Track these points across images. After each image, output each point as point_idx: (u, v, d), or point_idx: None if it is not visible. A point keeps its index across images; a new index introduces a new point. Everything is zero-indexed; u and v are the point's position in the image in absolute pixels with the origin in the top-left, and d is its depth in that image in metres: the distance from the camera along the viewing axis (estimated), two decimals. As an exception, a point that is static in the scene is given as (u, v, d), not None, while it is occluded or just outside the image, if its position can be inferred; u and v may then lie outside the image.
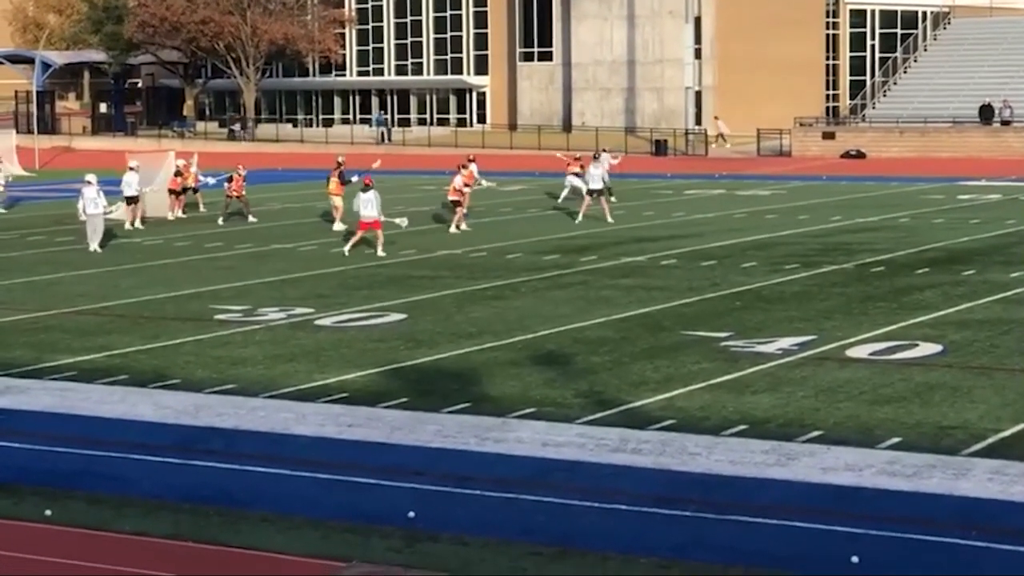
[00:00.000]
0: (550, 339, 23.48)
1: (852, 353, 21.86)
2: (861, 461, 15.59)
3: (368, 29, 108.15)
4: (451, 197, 41.94)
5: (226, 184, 46.09)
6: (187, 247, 38.54)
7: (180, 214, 46.84)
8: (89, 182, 38.61)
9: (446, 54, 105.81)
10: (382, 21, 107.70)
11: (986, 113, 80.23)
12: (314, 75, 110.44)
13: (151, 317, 26.56)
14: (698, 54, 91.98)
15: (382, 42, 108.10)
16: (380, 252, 35.31)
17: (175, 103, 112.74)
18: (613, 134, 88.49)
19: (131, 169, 43.76)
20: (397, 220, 36.60)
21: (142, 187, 44.21)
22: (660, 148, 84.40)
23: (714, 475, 15.24)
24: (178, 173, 47.14)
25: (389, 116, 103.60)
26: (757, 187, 58.54)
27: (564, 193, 51.12)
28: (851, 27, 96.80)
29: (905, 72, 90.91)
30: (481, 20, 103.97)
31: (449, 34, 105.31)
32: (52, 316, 26.85)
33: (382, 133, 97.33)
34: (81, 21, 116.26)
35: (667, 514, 13.98)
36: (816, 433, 16.91)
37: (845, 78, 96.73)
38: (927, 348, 22.13)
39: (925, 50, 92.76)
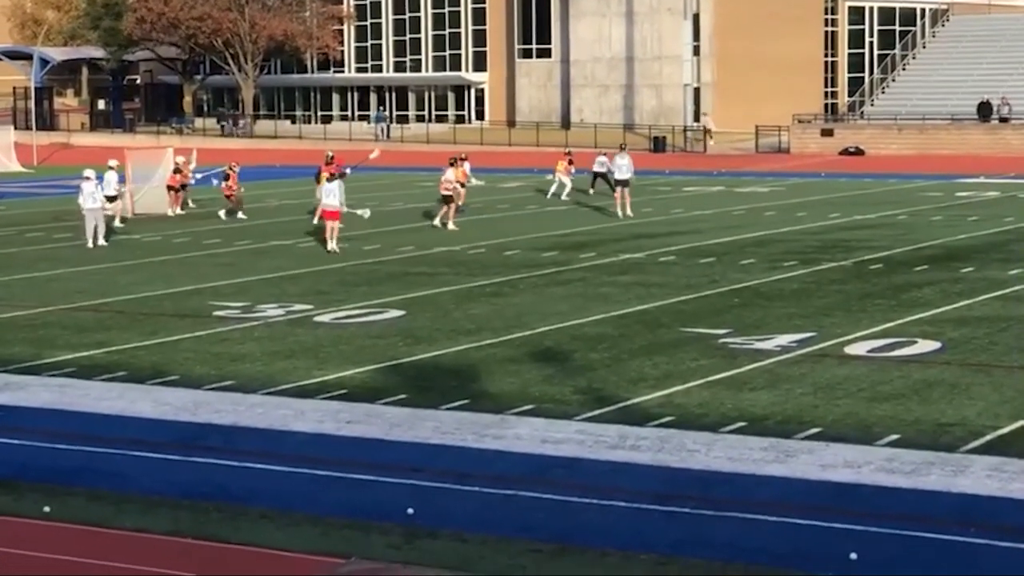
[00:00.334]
0: (549, 336, 23.49)
1: (851, 350, 21.87)
2: (860, 458, 15.60)
3: (366, 26, 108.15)
4: (443, 191, 41.84)
5: (223, 183, 46.10)
6: (186, 243, 38.54)
7: (179, 211, 46.84)
8: (88, 177, 38.65)
9: (445, 51, 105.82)
10: (380, 18, 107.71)
11: (984, 110, 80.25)
12: (312, 72, 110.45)
13: (150, 313, 26.56)
14: (696, 51, 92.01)
15: (380, 39, 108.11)
16: (331, 245, 35.31)
17: (173, 99, 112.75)
18: (612, 131, 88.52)
19: (110, 168, 43.61)
20: (359, 211, 36.60)
21: (137, 183, 44.17)
22: (659, 145, 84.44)
23: (713, 472, 15.25)
24: (177, 170, 47.14)
25: (388, 113, 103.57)
26: (756, 184, 58.56)
27: (553, 188, 52.30)
28: (850, 24, 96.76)
29: (904, 69, 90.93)
30: (480, 17, 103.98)
31: (448, 31, 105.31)
32: (51, 312, 26.85)
33: (381, 129, 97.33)
34: (79, 17, 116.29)
35: (666, 511, 13.99)
36: (815, 430, 16.92)
37: (844, 75, 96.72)
38: (925, 345, 22.14)
39: (924, 47, 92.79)
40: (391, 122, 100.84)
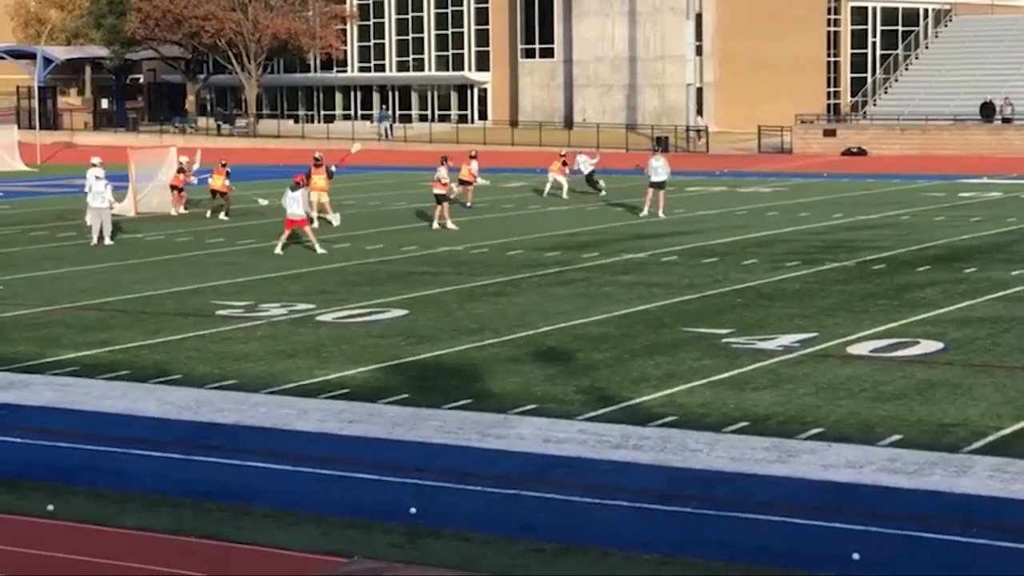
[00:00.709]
0: (551, 335, 23.50)
1: (853, 350, 21.87)
2: (862, 458, 15.61)
3: (370, 25, 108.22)
4: (435, 190, 41.70)
5: (208, 179, 46.15)
6: (189, 243, 38.57)
7: (182, 210, 46.86)
8: (98, 176, 38.74)
9: (448, 50, 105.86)
10: (383, 17, 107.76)
11: (987, 111, 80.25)
12: (316, 71, 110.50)
13: (153, 312, 26.58)
14: (699, 51, 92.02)
15: (384, 38, 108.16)
16: (320, 248, 35.37)
17: (176, 99, 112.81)
18: (614, 131, 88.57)
19: (93, 166, 43.49)
20: (330, 217, 36.57)
21: (140, 183, 44.14)
22: (661, 145, 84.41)
23: (715, 472, 15.26)
24: (180, 169, 47.18)
25: (391, 112, 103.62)
26: (758, 184, 58.56)
27: (547, 188, 52.96)
28: (852, 24, 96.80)
29: (906, 69, 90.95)
30: (483, 16, 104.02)
31: (451, 30, 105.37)
32: (54, 311, 26.87)
33: (384, 129, 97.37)
34: (83, 16, 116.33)
35: (668, 510, 14.00)
36: (817, 430, 16.92)
37: (846, 75, 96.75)
38: (928, 346, 22.14)
39: (927, 47, 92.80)
40: (394, 121, 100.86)
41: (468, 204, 48.28)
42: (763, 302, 26.78)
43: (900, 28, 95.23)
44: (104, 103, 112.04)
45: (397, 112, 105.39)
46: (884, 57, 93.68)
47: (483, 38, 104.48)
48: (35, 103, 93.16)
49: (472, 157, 50.11)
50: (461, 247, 36.32)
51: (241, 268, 32.93)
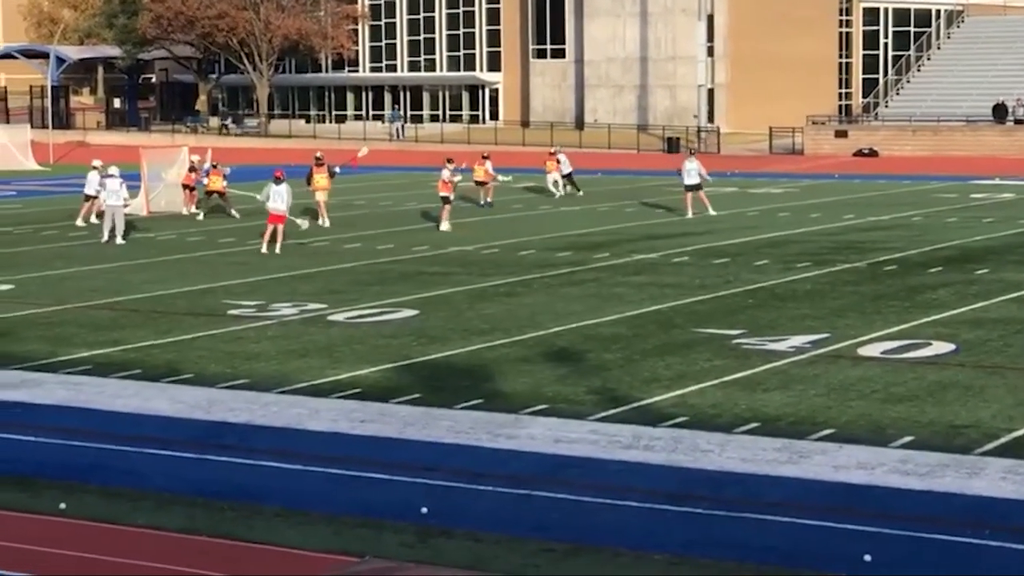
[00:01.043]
0: (562, 336, 23.51)
1: (864, 351, 21.86)
2: (873, 459, 15.60)
3: (381, 25, 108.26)
4: (441, 192, 41.66)
5: (204, 179, 46.18)
6: (200, 242, 38.62)
7: (194, 209, 46.91)
8: (112, 175, 38.86)
9: (459, 51, 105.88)
10: (395, 17, 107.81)
11: (999, 112, 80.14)
12: (327, 71, 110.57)
13: (164, 312, 26.62)
14: (711, 52, 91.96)
15: (395, 38, 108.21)
16: (277, 249, 35.40)
17: (188, 98, 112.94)
18: (625, 131, 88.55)
19: (93, 168, 43.61)
20: (299, 221, 36.60)
21: (152, 182, 44.25)
22: (672, 146, 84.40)
23: (726, 472, 15.26)
24: (192, 168, 47.24)
25: (402, 112, 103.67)
26: (769, 185, 58.54)
27: (550, 187, 53.47)
28: (864, 25, 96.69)
29: (918, 70, 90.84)
30: (494, 17, 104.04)
31: (462, 31, 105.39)
32: (66, 310, 26.93)
33: (396, 129, 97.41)
34: (95, 15, 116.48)
35: (679, 511, 14.01)
36: (828, 431, 16.92)
37: (858, 76, 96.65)
38: (940, 347, 22.13)
39: (939, 48, 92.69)
40: (405, 122, 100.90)
41: (488, 202, 48.67)
42: (774, 303, 26.77)
43: (912, 29, 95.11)
44: (116, 103, 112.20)
45: (408, 112, 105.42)
46: (896, 58, 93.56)
47: (494, 38, 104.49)
48: (48, 102, 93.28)
49: (485, 158, 50.33)
50: (472, 247, 36.34)
51: (252, 268, 32.97)
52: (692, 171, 45.06)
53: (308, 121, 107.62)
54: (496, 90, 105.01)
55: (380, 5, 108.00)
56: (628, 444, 16.41)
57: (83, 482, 15.21)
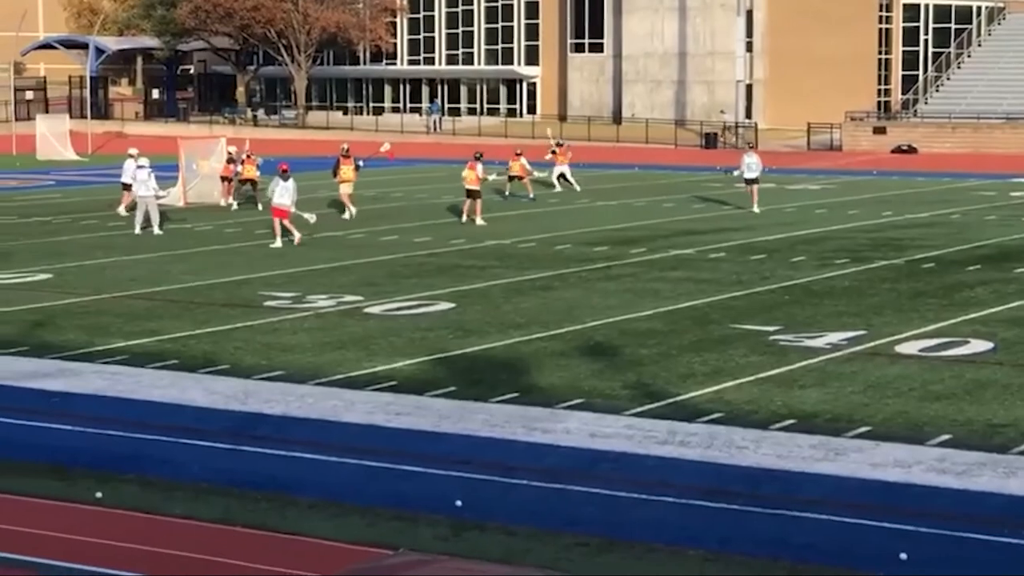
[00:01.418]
0: (598, 330, 23.48)
1: (902, 349, 21.77)
2: (910, 458, 15.53)
3: (419, 18, 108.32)
4: (468, 185, 41.55)
5: (239, 167, 46.27)
6: (237, 233, 38.69)
7: (231, 200, 47.00)
8: (142, 166, 39.01)
9: (497, 44, 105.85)
10: (433, 10, 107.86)
11: (1040, 110, 79.70)
12: (365, 63, 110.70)
13: (201, 303, 26.70)
14: (749, 47, 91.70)
15: (433, 31, 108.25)
16: (277, 243, 35.43)
17: (226, 89, 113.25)
18: (663, 126, 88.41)
19: (129, 156, 43.81)
20: (306, 215, 36.65)
21: (189, 173, 44.44)
22: (710, 141, 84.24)
23: (761, 469, 15.21)
24: (230, 160, 47.34)
25: (440, 105, 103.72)
26: (807, 181, 58.35)
27: (570, 180, 53.74)
28: (904, 21, 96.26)
29: (958, 67, 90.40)
30: (532, 11, 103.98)
31: (500, 24, 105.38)
32: (104, 300, 27.02)
33: (433, 122, 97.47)
34: (134, 6, 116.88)
35: (714, 507, 13.97)
36: (864, 429, 16.85)
37: (897, 73, 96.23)
38: (978, 345, 22.01)
39: (979, 45, 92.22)
40: (443, 115, 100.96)
41: (531, 196, 48.98)
42: (811, 299, 26.68)
43: (952, 26, 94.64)
44: (155, 93, 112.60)
45: (446, 105, 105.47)
46: (936, 55, 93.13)
47: (533, 32, 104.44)
48: (87, 93, 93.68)
49: (518, 154, 50.56)
50: (508, 241, 36.32)
51: (289, 259, 33.03)
52: (752, 165, 45.53)
53: (345, 113, 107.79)
54: (534, 84, 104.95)
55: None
56: (663, 440, 16.38)
57: (119, 471, 15.25)
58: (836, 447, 16.02)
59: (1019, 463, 15.34)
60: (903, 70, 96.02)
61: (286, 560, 12.45)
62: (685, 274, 30.20)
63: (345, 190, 42.73)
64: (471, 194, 41.14)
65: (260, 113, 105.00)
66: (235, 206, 45.72)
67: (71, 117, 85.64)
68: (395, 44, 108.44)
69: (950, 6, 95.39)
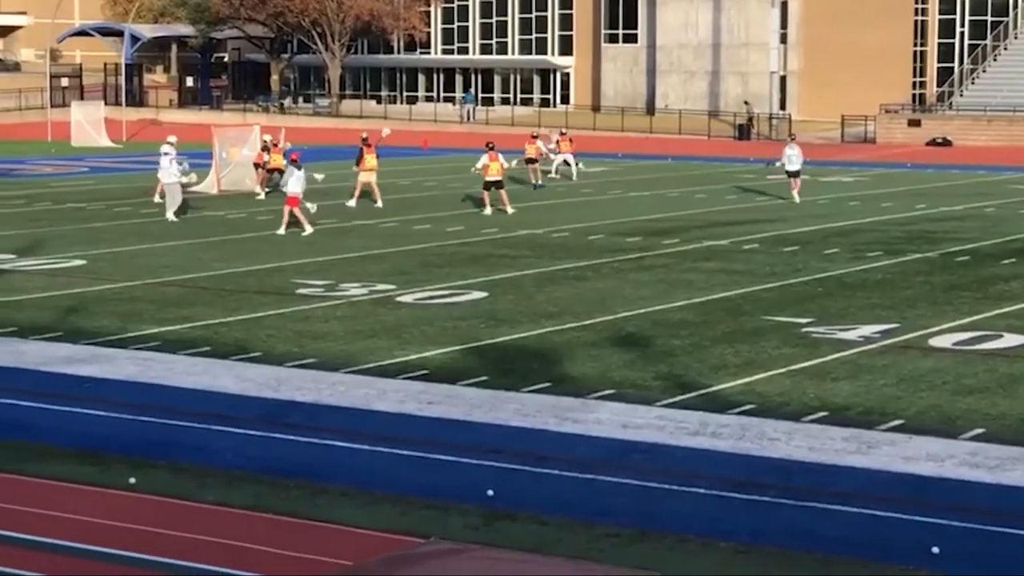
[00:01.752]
0: (631, 321, 23.46)
1: (935, 342, 21.68)
2: (943, 451, 15.48)
3: (453, 8, 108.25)
4: (493, 176, 41.44)
5: (266, 155, 46.33)
6: (269, 221, 38.72)
7: (265, 188, 47.06)
8: (166, 152, 39.17)
9: (531, 34, 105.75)
10: (467, 0, 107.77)
11: (1076, 103, 79.23)
12: (399, 52, 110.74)
13: (233, 290, 26.76)
14: (784, 39, 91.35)
15: (467, 21, 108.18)
16: (281, 231, 35.61)
17: (260, 78, 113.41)
18: (696, 117, 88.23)
19: (168, 144, 43.91)
20: (308, 205, 36.73)
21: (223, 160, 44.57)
22: (743, 132, 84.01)
23: (793, 461, 15.18)
24: (265, 148, 47.41)
25: (474, 95, 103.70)
26: (841, 173, 58.17)
27: (577, 166, 53.93)
28: (940, 13, 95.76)
29: (995, 60, 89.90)
30: (566, 1, 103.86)
31: (534, 14, 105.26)
32: (137, 287, 27.12)
33: (467, 111, 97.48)
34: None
35: (745, 499, 13.95)
36: (897, 422, 16.80)
37: (933, 65, 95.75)
38: (1012, 339, 21.91)
39: (1016, 38, 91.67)
40: (477, 104, 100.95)
41: (539, 183, 48.91)
42: (844, 292, 26.60)
43: (989, 18, 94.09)
44: (189, 81, 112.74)
45: (480, 95, 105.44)
46: (972, 47, 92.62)
47: (567, 22, 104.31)
48: (122, 80, 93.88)
49: (534, 137, 50.83)
50: (541, 231, 36.31)
51: (321, 247, 33.08)
52: (793, 157, 45.75)
53: (379, 102, 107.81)
54: (567, 74, 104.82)
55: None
56: (695, 431, 16.36)
57: (152, 458, 15.31)
58: (868, 440, 15.98)
59: (1053, 458, 15.27)
60: (939, 62, 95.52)
61: (317, 547, 12.48)
62: (718, 265, 30.14)
63: (369, 178, 42.66)
64: (496, 184, 41.06)
65: (287, 101, 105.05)
66: (262, 195, 45.79)
67: (106, 104, 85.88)
68: (429, 33, 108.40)
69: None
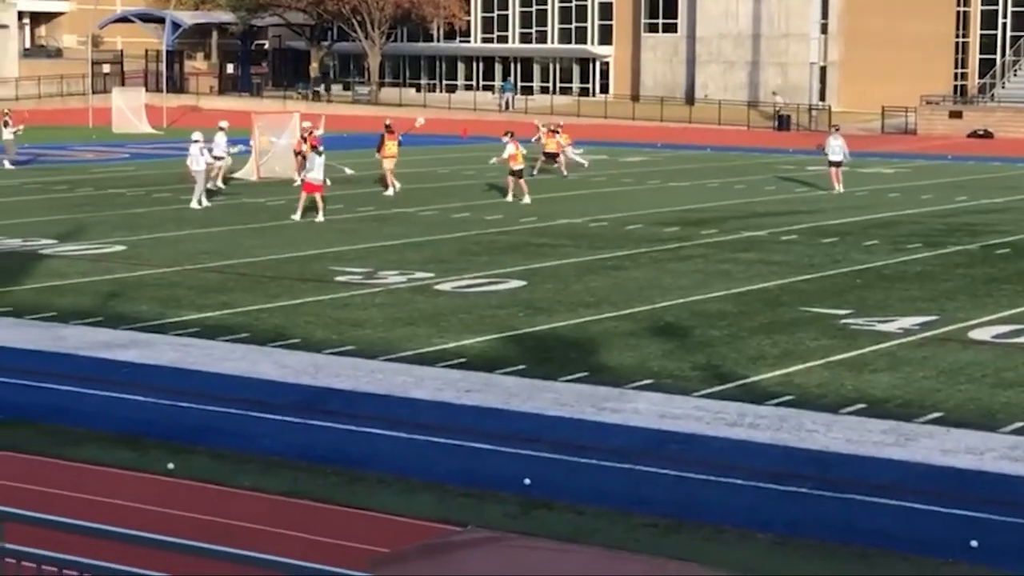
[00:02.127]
0: (669, 311, 23.43)
1: (975, 335, 21.59)
2: (982, 444, 15.42)
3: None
4: (513, 165, 41.48)
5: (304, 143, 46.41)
6: (309, 208, 38.77)
7: (296, 177, 47.09)
8: (195, 140, 39.33)
9: (571, 23, 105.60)
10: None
11: (1119, 95, 78.66)
12: (438, 41, 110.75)
13: (273, 277, 26.84)
14: (824, 29, 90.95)
15: (507, 9, 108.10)
16: (321, 217, 35.81)
17: (300, 65, 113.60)
18: (736, 108, 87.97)
19: (220, 129, 44.23)
20: (347, 170, 36.66)
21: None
22: (783, 123, 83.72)
23: (831, 452, 15.14)
24: (304, 136, 47.43)
25: (513, 83, 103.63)
26: (881, 165, 57.93)
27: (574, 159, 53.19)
28: (982, 4, 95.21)
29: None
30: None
31: (574, 3, 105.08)
32: (177, 272, 27.22)
33: (506, 100, 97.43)
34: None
35: (783, 490, 13.93)
36: (936, 415, 16.74)
37: (975, 56, 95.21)
38: (1052, 332, 21.80)
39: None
40: (516, 93, 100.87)
41: (564, 174, 48.99)
42: (883, 284, 26.51)
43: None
44: (229, 68, 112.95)
45: (519, 84, 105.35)
46: (1015, 39, 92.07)
47: (606, 12, 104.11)
48: (163, 67, 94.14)
49: (553, 131, 50.64)
50: (580, 220, 36.28)
51: (361, 235, 33.14)
52: (836, 148, 45.74)
53: (418, 90, 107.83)
54: (607, 64, 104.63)
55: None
56: (733, 421, 16.34)
57: (190, 443, 15.38)
58: (907, 432, 15.92)
59: (1093, 452, 15.19)
60: (980, 54, 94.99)
61: (354, 534, 12.51)
62: (756, 256, 30.07)
63: (389, 165, 42.85)
64: (520, 173, 41.15)
65: (320, 88, 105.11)
66: (297, 182, 45.86)
67: (147, 90, 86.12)
68: (469, 22, 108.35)
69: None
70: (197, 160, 39.12)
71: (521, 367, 19.06)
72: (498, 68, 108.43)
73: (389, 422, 16.26)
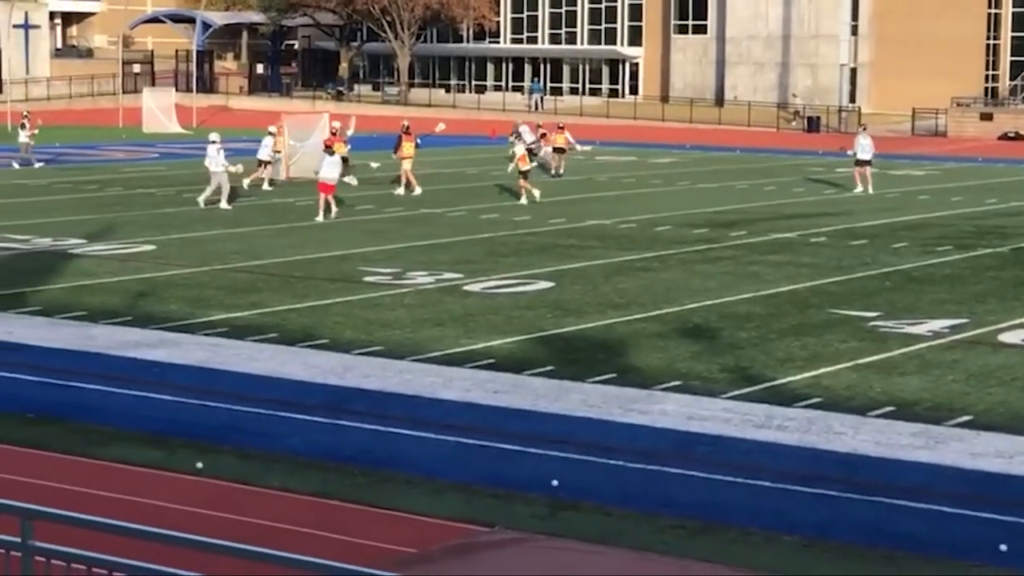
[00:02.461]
0: (697, 313, 23.40)
1: (1005, 338, 21.51)
2: (1012, 448, 15.35)
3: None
4: (523, 166, 41.40)
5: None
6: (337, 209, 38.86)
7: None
8: (213, 141, 39.47)
9: (600, 24, 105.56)
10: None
11: None
12: (468, 41, 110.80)
13: (302, 277, 26.89)
14: (854, 31, 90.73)
15: (536, 10, 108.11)
16: (333, 213, 36.11)
17: (330, 65, 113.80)
18: (765, 109, 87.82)
19: (269, 134, 44.52)
20: (372, 164, 36.70)
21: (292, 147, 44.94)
22: (812, 125, 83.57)
23: (860, 455, 15.10)
24: (334, 135, 47.51)
25: (543, 84, 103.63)
26: (911, 167, 57.76)
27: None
28: (1014, 6, 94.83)
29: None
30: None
31: (604, 4, 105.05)
32: (205, 272, 27.29)
33: (535, 101, 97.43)
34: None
35: (811, 492, 13.89)
36: (965, 418, 16.68)
37: (1006, 58, 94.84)
38: (1083, 336, 21.70)
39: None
40: (545, 94, 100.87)
41: (561, 172, 48.89)
42: (912, 286, 26.43)
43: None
44: (259, 68, 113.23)
45: (548, 85, 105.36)
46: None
47: (636, 13, 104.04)
48: (193, 67, 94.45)
49: (561, 128, 50.75)
50: (608, 221, 36.26)
51: (389, 235, 33.17)
52: (866, 146, 45.87)
53: (448, 91, 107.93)
54: (636, 65, 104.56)
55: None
56: (761, 423, 16.31)
57: (218, 442, 15.41)
58: (936, 435, 15.87)
59: (1123, 456, 15.11)
60: (1012, 56, 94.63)
61: (382, 534, 12.52)
62: (785, 258, 30.01)
63: (407, 166, 43.03)
64: (527, 174, 41.18)
65: (344, 88, 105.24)
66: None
67: (177, 90, 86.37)
68: (498, 23, 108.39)
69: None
70: (214, 160, 39.22)
71: (549, 368, 19.05)
72: (527, 69, 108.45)
73: (417, 423, 16.27)
